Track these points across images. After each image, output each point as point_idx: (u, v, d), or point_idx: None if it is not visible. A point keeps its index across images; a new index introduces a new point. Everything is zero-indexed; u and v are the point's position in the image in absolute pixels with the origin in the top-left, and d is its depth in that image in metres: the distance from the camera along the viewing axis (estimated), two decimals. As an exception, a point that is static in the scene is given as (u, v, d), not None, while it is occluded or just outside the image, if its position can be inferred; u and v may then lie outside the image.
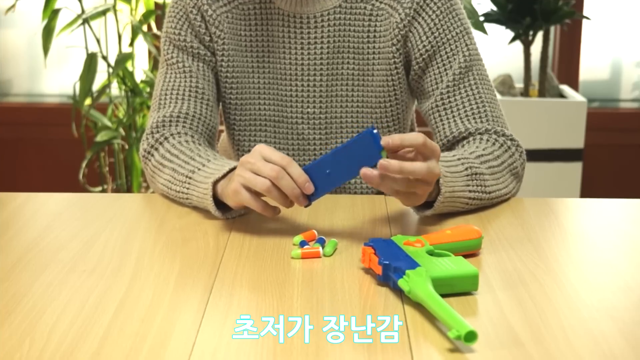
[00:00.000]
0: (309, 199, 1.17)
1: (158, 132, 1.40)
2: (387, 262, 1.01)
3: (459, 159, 1.27)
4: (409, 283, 0.97)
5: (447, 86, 1.40)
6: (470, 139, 1.38)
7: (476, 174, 1.26)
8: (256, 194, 1.17)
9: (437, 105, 1.41)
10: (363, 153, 1.11)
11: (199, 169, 1.29)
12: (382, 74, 1.43)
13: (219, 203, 1.25)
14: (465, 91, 1.40)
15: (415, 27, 1.40)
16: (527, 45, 2.84)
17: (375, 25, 1.42)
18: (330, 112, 1.46)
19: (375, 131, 1.09)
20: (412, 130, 1.61)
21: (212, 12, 1.44)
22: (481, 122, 1.38)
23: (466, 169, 1.25)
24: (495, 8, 2.83)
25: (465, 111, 1.39)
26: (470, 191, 1.25)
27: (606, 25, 3.26)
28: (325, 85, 1.44)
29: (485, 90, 1.41)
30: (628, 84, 3.33)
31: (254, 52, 1.45)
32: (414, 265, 1.00)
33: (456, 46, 1.40)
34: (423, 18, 1.40)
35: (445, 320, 0.89)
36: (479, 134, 1.38)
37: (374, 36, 1.42)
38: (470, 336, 0.86)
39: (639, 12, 3.27)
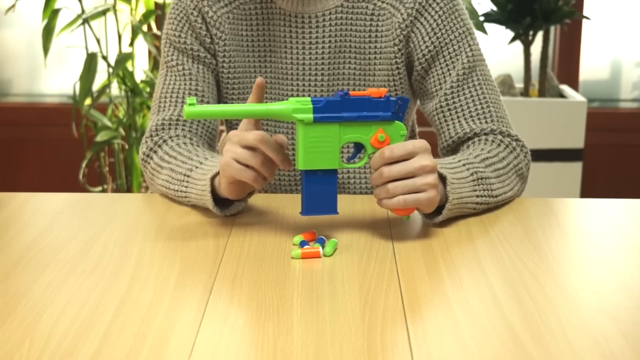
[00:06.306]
0: None
1: (157, 134, 1.40)
2: None
3: (464, 164, 1.26)
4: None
5: (451, 87, 1.39)
6: (476, 139, 1.37)
7: (482, 178, 1.26)
8: (245, 166, 1.17)
9: (441, 107, 1.40)
10: None
11: (197, 167, 1.29)
12: (383, 74, 1.43)
13: (218, 200, 1.25)
14: (470, 92, 1.39)
15: (417, 28, 1.40)
16: (527, 45, 2.84)
17: (377, 25, 1.41)
18: None
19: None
20: (412, 131, 1.61)
21: (212, 13, 1.43)
22: (486, 122, 1.38)
23: (472, 174, 1.25)
24: (495, 8, 2.83)
25: (470, 112, 1.39)
26: (477, 196, 1.25)
27: (606, 25, 3.26)
28: (326, 85, 1.44)
29: (489, 90, 1.41)
30: (628, 83, 3.33)
31: (255, 53, 1.45)
32: None
33: (459, 46, 1.40)
34: (425, 18, 1.39)
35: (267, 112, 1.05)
36: (484, 134, 1.38)
37: (376, 36, 1.42)
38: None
39: (639, 12, 3.27)
